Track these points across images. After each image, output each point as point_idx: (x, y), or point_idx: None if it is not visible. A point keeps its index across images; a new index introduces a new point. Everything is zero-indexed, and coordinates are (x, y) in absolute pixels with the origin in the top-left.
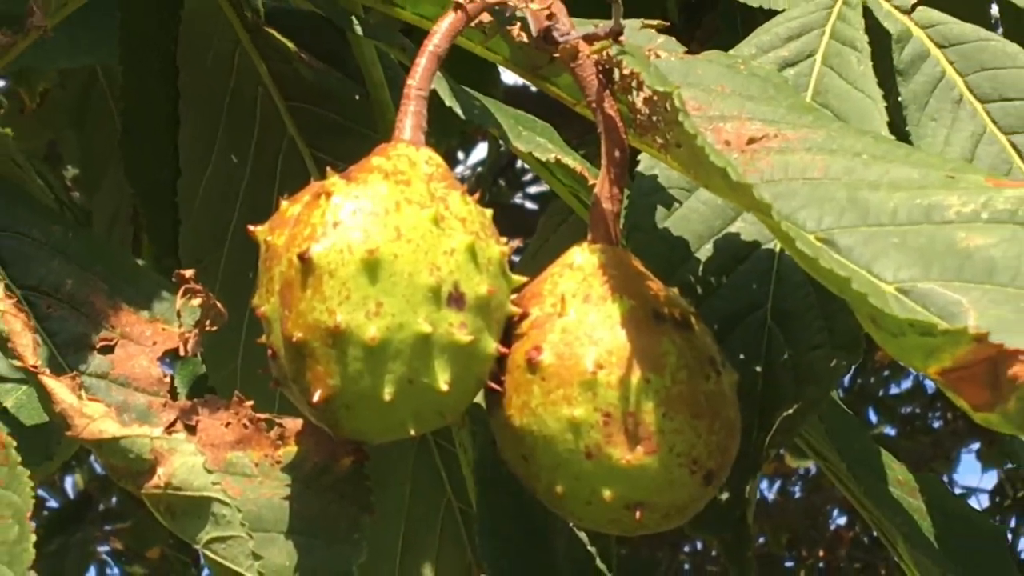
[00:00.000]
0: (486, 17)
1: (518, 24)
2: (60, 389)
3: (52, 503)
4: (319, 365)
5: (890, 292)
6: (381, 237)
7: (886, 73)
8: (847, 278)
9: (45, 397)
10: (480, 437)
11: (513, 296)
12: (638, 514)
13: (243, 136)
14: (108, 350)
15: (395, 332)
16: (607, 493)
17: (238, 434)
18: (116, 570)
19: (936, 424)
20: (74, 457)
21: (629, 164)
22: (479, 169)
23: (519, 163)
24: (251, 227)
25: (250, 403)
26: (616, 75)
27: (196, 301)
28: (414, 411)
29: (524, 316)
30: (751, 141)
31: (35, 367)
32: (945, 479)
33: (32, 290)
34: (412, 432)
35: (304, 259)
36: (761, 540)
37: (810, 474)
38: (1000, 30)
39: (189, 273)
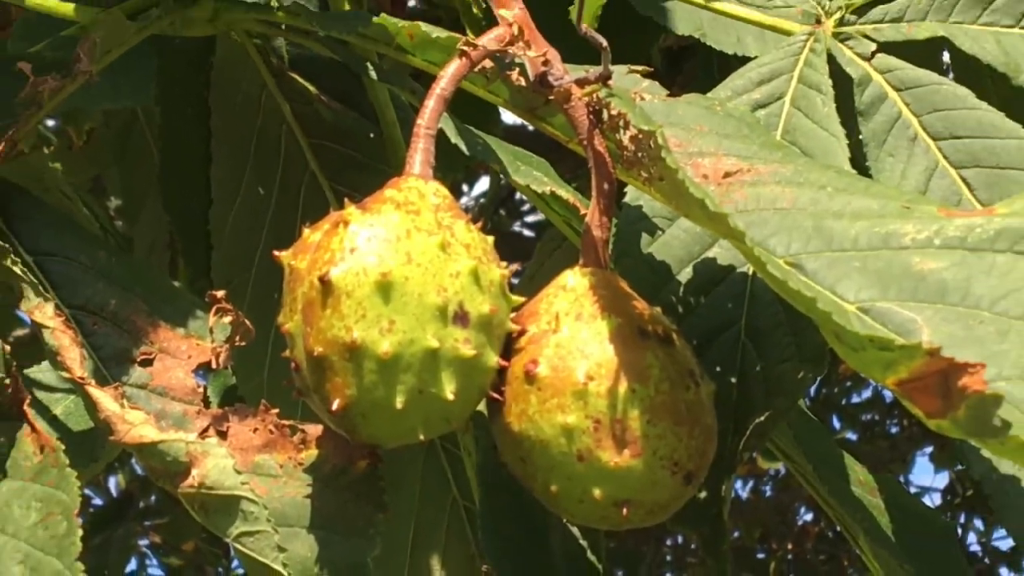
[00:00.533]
0: (488, 63)
1: (517, 70)
2: (104, 398)
3: (97, 501)
4: (337, 377)
5: (852, 311)
6: (393, 261)
7: (848, 114)
8: (813, 298)
9: (91, 406)
10: (483, 441)
11: (512, 314)
12: (625, 511)
13: (269, 170)
14: (147, 363)
15: (406, 347)
16: (597, 492)
17: (265, 439)
18: (155, 562)
19: (893, 430)
20: (117, 459)
21: (616, 196)
22: (481, 200)
23: (518, 195)
24: (276, 252)
25: (275, 411)
26: (605, 115)
27: (227, 319)
28: (423, 418)
29: (522, 332)
30: (727, 175)
31: (82, 378)
32: (901, 479)
33: (79, 309)
34: (421, 437)
35: (324, 281)
36: (736, 534)
37: (780, 475)
38: (951, 75)
39: (220, 294)
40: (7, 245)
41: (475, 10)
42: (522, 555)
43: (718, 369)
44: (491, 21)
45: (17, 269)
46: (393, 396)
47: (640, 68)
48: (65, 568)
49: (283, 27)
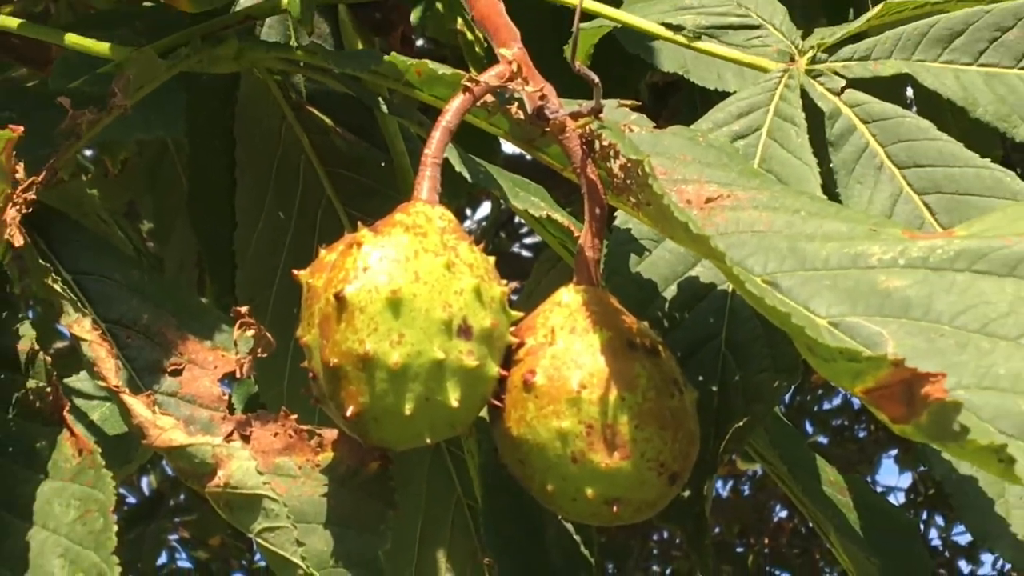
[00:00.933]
0: (489, 98)
1: (516, 104)
2: (137, 405)
3: (131, 500)
4: (351, 385)
5: (823, 325)
6: (403, 280)
7: (820, 144)
8: (788, 313)
9: (125, 412)
10: (484, 445)
11: (512, 328)
12: (615, 509)
13: (289, 196)
14: (177, 373)
15: (414, 358)
16: (589, 491)
17: (284, 442)
18: (184, 555)
19: (861, 434)
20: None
21: (607, 219)
22: (483, 223)
23: (516, 218)
24: (295, 271)
25: (294, 417)
26: (597, 146)
27: (250, 332)
28: (430, 424)
29: (521, 344)
30: (708, 200)
31: (117, 387)
32: (868, 480)
33: (114, 323)
34: (428, 441)
35: (339, 298)
36: (717, 530)
37: (757, 475)
38: (914, 108)
39: (244, 309)
40: (48, 265)
41: (477, 49)
42: (521, 549)
43: (700, 378)
44: (492, 59)
45: (57, 287)
46: (402, 403)
47: (629, 102)
48: (102, 561)
49: (302, 65)
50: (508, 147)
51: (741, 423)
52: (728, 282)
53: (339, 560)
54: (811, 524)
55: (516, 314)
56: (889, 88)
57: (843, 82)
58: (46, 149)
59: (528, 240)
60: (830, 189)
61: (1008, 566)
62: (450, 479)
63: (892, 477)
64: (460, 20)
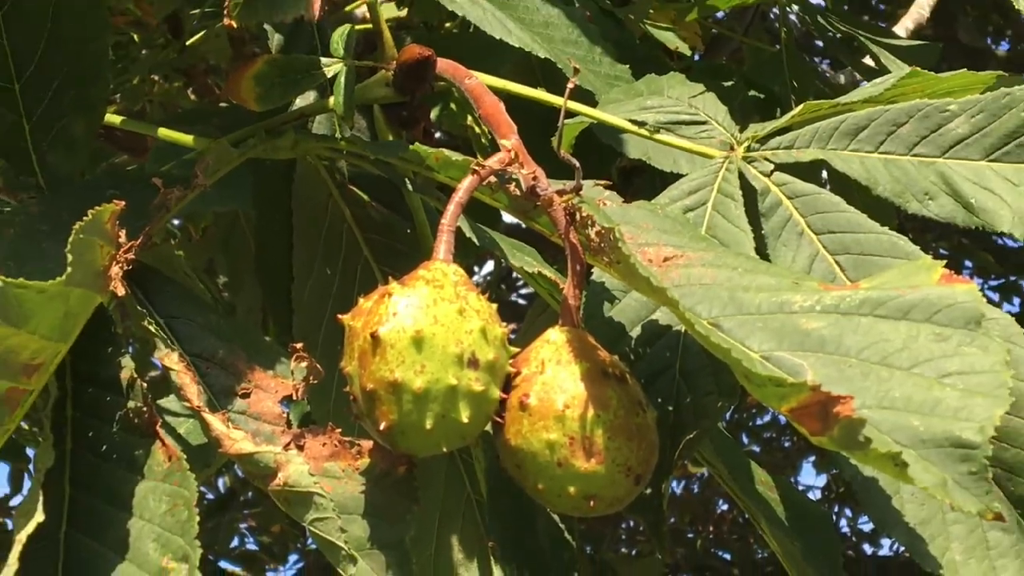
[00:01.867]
0: (492, 179)
1: (513, 183)
2: (215, 421)
3: (209, 496)
4: (384, 406)
5: (756, 358)
6: (424, 322)
7: (753, 215)
8: (728, 349)
9: (205, 427)
10: (489, 453)
11: (510, 360)
12: (592, 503)
13: (334, 256)
14: (246, 396)
15: (433, 384)
16: (571, 489)
17: (331, 451)
18: (251, 540)
19: (786, 444)
20: (223, 466)
21: (586, 275)
22: (488, 277)
23: (514, 274)
24: (340, 316)
25: (339, 431)
26: (577, 216)
27: (303, 364)
28: (446, 436)
29: (517, 373)
30: (665, 260)
31: (199, 407)
32: (792, 480)
33: (196, 357)
34: (444, 450)
35: (374, 337)
36: (672, 520)
37: (704, 477)
38: (828, 187)
39: (299, 346)
40: (144, 310)
41: (483, 140)
42: (517, 535)
43: (659, 400)
44: (494, 148)
45: (151, 328)
46: (424, 420)
47: (603, 182)
48: (186, 544)
49: (344, 152)
50: (507, 217)
51: (691, 436)
52: (681, 324)
53: (374, 544)
54: (747, 515)
55: (514, 349)
56: (808, 171)
57: (772, 166)
58: (143, 220)
59: (523, 291)
60: (762, 251)
61: (902, 548)
62: (462, 480)
63: (811, 478)
64: (469, 117)
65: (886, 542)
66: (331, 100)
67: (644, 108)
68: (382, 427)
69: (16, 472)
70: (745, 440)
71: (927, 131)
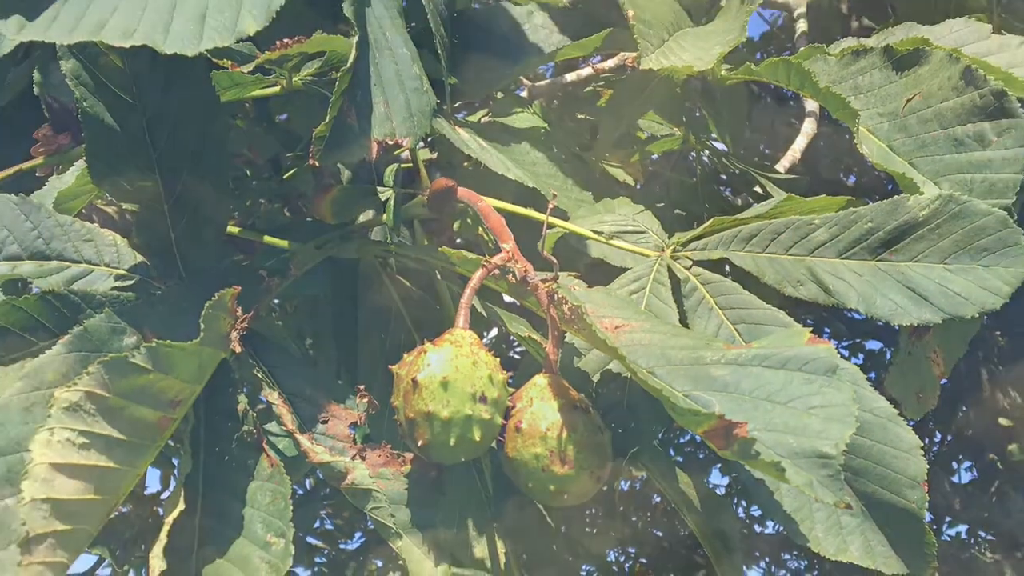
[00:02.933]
0: (496, 271)
1: (511, 274)
2: (303, 440)
3: (299, 491)
4: (420, 429)
5: (680, 396)
6: (448, 370)
7: (678, 297)
8: (660, 389)
9: (296, 443)
10: (494, 462)
11: (509, 397)
12: (566, 496)
13: (386, 325)
14: (325, 422)
15: (455, 414)
16: (552, 487)
17: (384, 460)
18: (329, 523)
19: (701, 456)
20: (309, 470)
21: (561, 338)
22: (493, 339)
23: (511, 337)
24: (390, 367)
25: (389, 446)
26: (556, 297)
27: (364, 400)
28: (464, 451)
29: (513, 406)
30: (616, 327)
31: (292, 430)
32: (705, 481)
33: (291, 394)
34: (463, 460)
35: (414, 381)
36: (620, 508)
37: (644, 478)
38: (730, 276)
39: (362, 387)
40: (254, 362)
41: (490, 244)
42: (514, 519)
43: (613, 425)
44: (497, 249)
45: (259, 374)
46: (449, 439)
47: (573, 274)
48: (284, 525)
49: (394, 253)
50: (506, 298)
51: (635, 450)
52: (628, 372)
53: (414, 525)
54: (672, 505)
55: (511, 390)
56: (716, 266)
57: (691, 262)
58: (253, 300)
59: (518, 349)
60: (684, 321)
61: (782, 528)
62: (475, 481)
63: (718, 479)
64: (481, 228)
65: (771, 524)
66: (385, 216)
67: (602, 222)
68: (419, 444)
69: (165, 475)
70: (672, 452)
71: (799, 238)
